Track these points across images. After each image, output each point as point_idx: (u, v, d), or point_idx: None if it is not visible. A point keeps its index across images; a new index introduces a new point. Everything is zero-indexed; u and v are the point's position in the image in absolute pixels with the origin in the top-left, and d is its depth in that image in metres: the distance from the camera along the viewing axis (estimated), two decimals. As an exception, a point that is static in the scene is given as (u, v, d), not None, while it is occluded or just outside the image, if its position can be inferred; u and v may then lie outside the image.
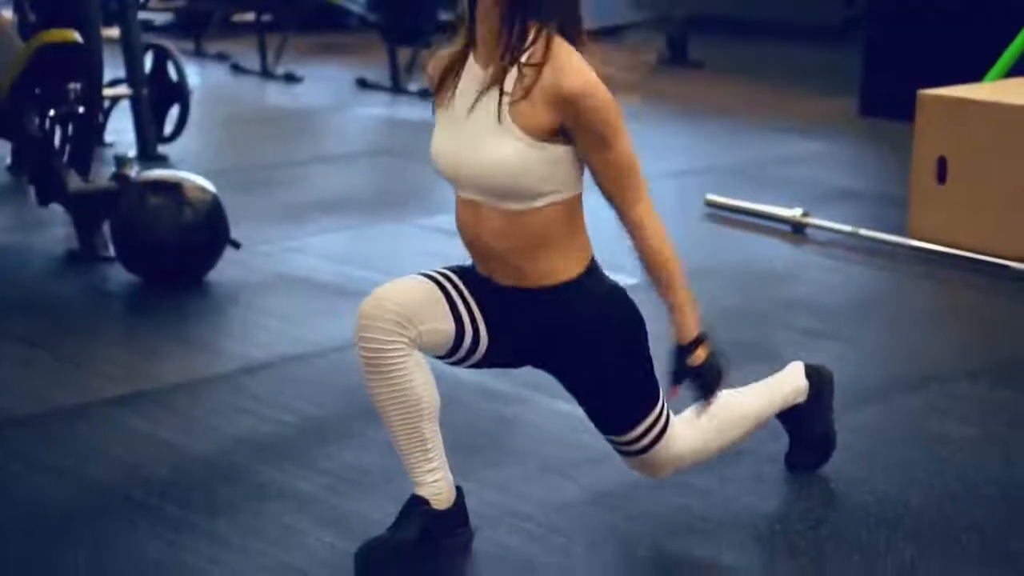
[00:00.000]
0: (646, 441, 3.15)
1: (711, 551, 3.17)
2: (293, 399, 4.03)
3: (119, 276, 5.13)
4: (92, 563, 3.09)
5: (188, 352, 4.43)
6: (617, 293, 3.07)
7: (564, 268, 2.99)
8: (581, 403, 3.18)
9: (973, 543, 3.20)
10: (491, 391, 4.07)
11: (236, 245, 5.17)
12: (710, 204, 6.17)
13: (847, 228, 5.69)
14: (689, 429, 3.23)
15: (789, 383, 3.47)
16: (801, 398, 3.49)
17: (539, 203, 2.92)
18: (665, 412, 3.16)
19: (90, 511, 3.34)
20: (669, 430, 3.17)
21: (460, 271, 3.09)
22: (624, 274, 3.19)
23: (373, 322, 2.94)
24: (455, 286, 3.04)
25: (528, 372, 4.16)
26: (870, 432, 3.83)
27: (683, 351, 3.04)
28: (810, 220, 5.79)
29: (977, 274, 5.25)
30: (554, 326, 3.03)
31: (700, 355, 3.04)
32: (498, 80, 2.88)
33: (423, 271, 3.07)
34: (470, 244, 3.05)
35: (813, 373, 3.53)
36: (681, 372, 3.05)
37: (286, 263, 5.34)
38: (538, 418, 3.90)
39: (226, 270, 5.14)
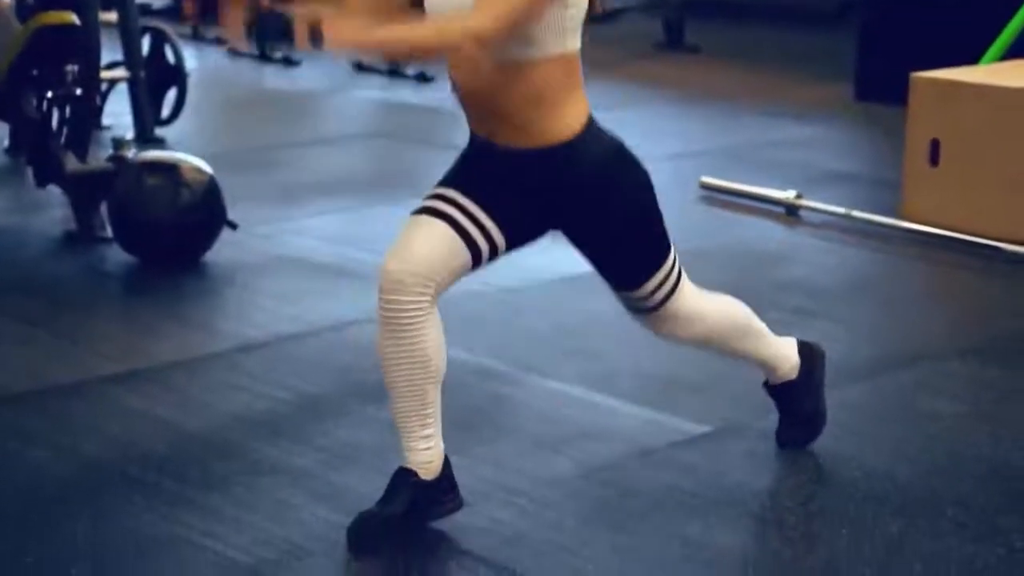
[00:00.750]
0: (659, 296, 3.20)
1: (701, 526, 3.21)
2: (288, 377, 4.06)
3: (116, 256, 5.16)
4: (89, 537, 3.12)
5: (184, 331, 4.46)
6: (620, 149, 3.08)
7: (564, 125, 2.99)
8: (593, 260, 3.20)
9: (960, 518, 3.24)
10: (486, 370, 4.10)
11: (233, 226, 5.19)
12: (705, 187, 6.20)
13: (840, 210, 5.72)
14: (706, 298, 3.31)
15: (782, 348, 3.50)
16: (793, 374, 3.52)
17: (535, 53, 2.91)
18: (677, 268, 3.21)
19: (86, 486, 3.37)
20: (682, 286, 3.23)
21: (457, 177, 3.10)
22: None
23: (397, 284, 2.97)
24: (458, 207, 3.03)
25: (522, 352, 4.22)
26: (860, 409, 3.86)
27: None
28: (804, 202, 5.82)
29: (969, 255, 5.29)
30: (559, 184, 3.04)
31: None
32: None
33: (427, 206, 3.05)
34: (468, 100, 3.03)
35: (806, 351, 3.56)
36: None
37: (283, 244, 5.37)
38: (532, 397, 3.94)
39: (223, 251, 5.17)
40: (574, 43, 2.98)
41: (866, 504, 3.30)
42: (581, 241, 3.17)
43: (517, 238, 3.12)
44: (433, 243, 3.01)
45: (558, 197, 3.07)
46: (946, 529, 3.19)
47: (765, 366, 3.52)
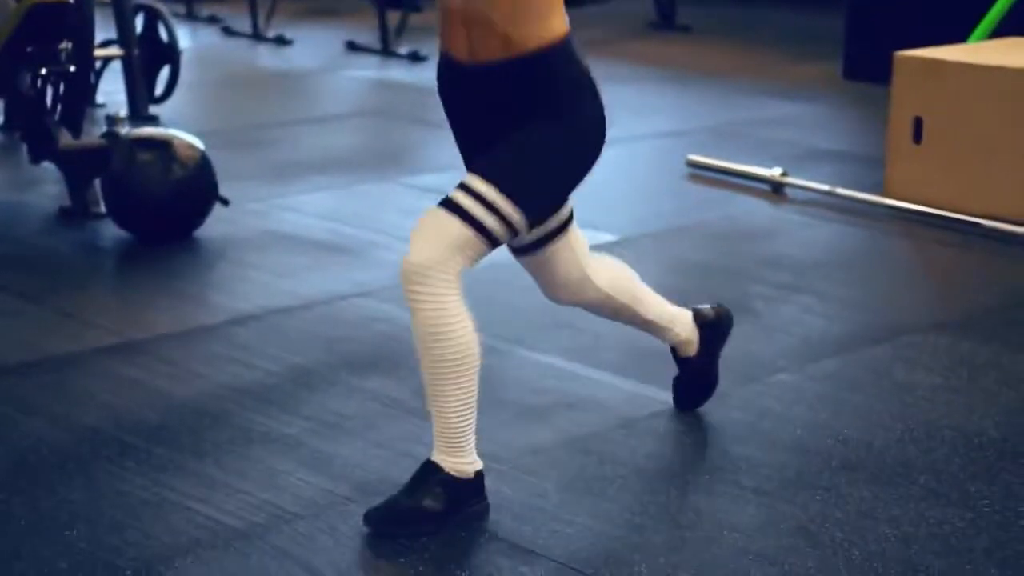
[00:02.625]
0: (534, 234, 3.24)
1: (678, 492, 3.29)
2: (279, 349, 4.14)
3: (110, 232, 5.25)
4: (82, 501, 3.20)
5: (178, 304, 4.54)
6: (592, 82, 3.09)
7: (547, 32, 3.00)
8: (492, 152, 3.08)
9: (931, 484, 3.33)
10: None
11: (225, 202, 5.27)
12: (692, 164, 6.28)
13: (825, 187, 5.81)
14: (592, 260, 3.38)
15: (675, 321, 3.58)
16: (691, 350, 3.63)
17: None
18: (563, 217, 3.26)
19: (81, 453, 3.46)
20: (566, 237, 3.28)
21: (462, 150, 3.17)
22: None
23: (419, 276, 2.95)
24: (474, 194, 3.00)
25: (507, 326, 4.30)
26: (837, 381, 3.95)
27: None
28: (789, 179, 5.90)
29: (950, 231, 5.37)
30: (533, 89, 3.02)
31: None
32: None
33: (446, 197, 3.03)
34: (451, 15, 3.04)
35: (706, 328, 3.64)
36: None
37: (275, 220, 5.45)
38: (516, 369, 4.02)
39: (215, 226, 5.25)
40: None
41: (840, 471, 3.39)
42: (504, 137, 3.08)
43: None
44: (446, 238, 2.97)
45: (521, 105, 3.04)
46: (917, 495, 3.27)
47: (663, 337, 3.61)
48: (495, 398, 3.80)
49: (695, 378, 3.69)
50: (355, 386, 3.86)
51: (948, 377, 3.99)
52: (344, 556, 3.00)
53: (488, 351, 4.10)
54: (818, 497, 3.26)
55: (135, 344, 4.18)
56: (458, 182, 3.04)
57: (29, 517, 3.13)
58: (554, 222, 3.29)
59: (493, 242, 3.03)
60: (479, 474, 3.12)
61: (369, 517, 3.08)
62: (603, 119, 3.12)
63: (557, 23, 3.05)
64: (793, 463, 3.44)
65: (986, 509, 3.20)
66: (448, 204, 3.01)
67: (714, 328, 3.67)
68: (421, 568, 2.94)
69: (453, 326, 2.98)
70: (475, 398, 3.08)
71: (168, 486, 3.29)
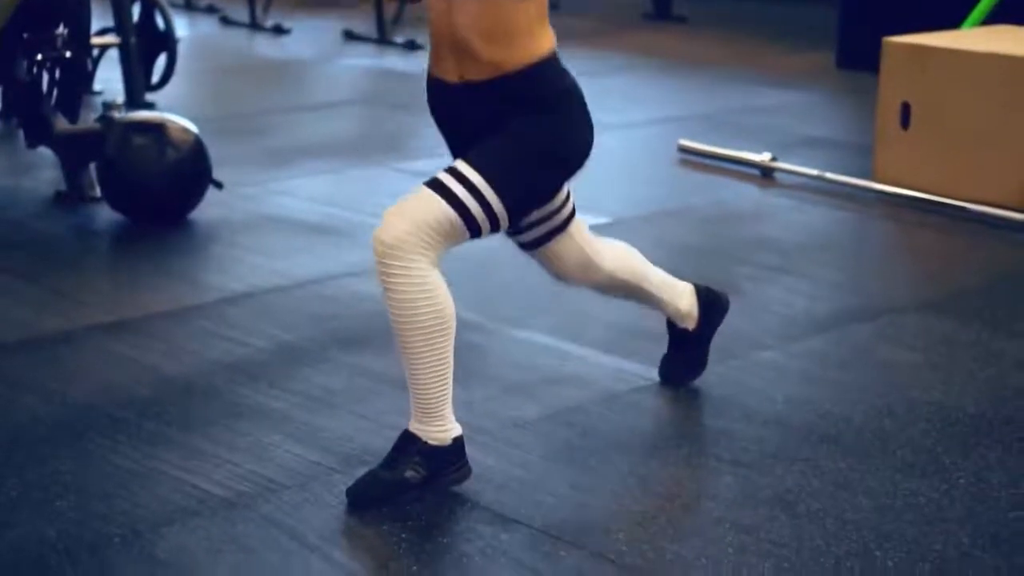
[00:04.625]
0: (533, 235, 3.37)
1: (659, 464, 3.35)
2: (269, 327, 4.20)
3: (105, 215, 5.30)
4: (73, 472, 3.26)
5: (170, 284, 4.60)
6: (579, 93, 3.17)
7: (533, 51, 3.09)
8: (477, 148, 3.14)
9: (908, 457, 3.38)
10: (461, 321, 4.16)
11: (218, 185, 5.33)
12: (683, 150, 6.33)
13: (814, 172, 5.86)
14: (595, 246, 3.46)
15: (678, 294, 3.67)
16: (690, 324, 3.70)
17: None
18: (560, 218, 3.35)
19: (72, 427, 3.51)
20: (566, 235, 3.38)
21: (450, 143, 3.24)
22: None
23: (392, 249, 3.00)
24: (462, 178, 3.07)
25: (495, 304, 4.36)
26: (821, 358, 4.00)
27: None
28: (778, 164, 5.95)
29: (936, 215, 5.43)
30: (518, 101, 3.10)
31: None
32: None
33: (431, 178, 3.10)
34: (443, 38, 3.12)
35: (706, 304, 3.72)
36: None
37: (268, 204, 5.51)
38: (504, 346, 4.08)
39: (209, 209, 5.31)
40: None
41: (820, 445, 3.45)
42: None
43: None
44: (426, 213, 3.02)
45: (508, 115, 3.10)
46: (894, 467, 3.33)
47: (666, 309, 3.68)
48: (482, 374, 3.86)
49: (688, 352, 3.75)
50: (343, 362, 3.91)
51: (929, 355, 4.04)
52: (328, 524, 3.05)
53: (477, 329, 4.18)
54: (796, 469, 3.32)
55: (128, 322, 4.24)
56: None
57: (20, 488, 3.19)
58: (559, 218, 3.37)
59: (471, 226, 3.08)
60: (458, 440, 3.17)
61: (351, 492, 3.13)
62: (590, 125, 3.20)
63: (542, 41, 3.13)
64: (773, 437, 3.50)
65: (961, 481, 3.26)
66: (433, 184, 3.08)
67: (713, 305, 3.74)
68: (404, 535, 3.00)
69: (427, 296, 3.03)
70: (450, 368, 3.13)
71: (157, 458, 3.35)
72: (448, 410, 3.15)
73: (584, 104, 3.20)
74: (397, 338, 3.09)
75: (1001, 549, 2.96)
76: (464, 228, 3.08)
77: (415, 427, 3.14)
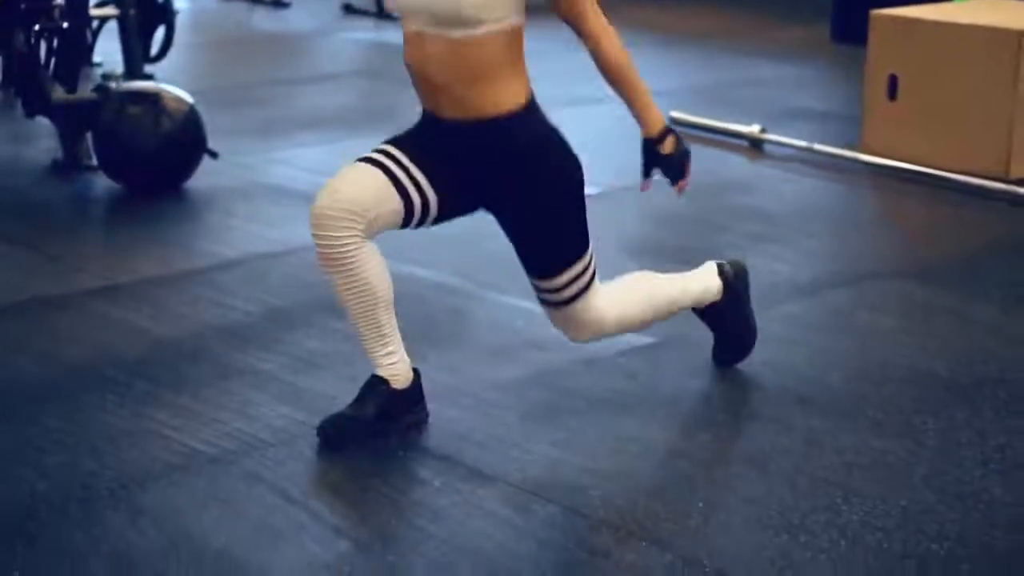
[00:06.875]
0: (571, 291, 3.36)
1: (636, 424, 3.43)
2: (260, 292, 4.28)
3: (101, 183, 5.38)
4: (63, 429, 3.35)
5: (164, 250, 4.68)
6: (556, 135, 3.27)
7: (505, 99, 3.18)
8: (515, 241, 3.36)
9: (879, 417, 3.46)
10: (447, 287, 4.33)
11: (213, 155, 5.40)
12: (674, 121, 6.39)
13: (802, 143, 5.93)
14: (613, 294, 3.46)
15: (701, 280, 3.67)
16: (716, 297, 3.69)
17: (480, 31, 3.10)
18: (592, 267, 3.38)
19: (64, 387, 3.60)
20: (594, 286, 3.39)
21: (402, 139, 3.31)
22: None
23: (326, 220, 3.20)
24: (397, 161, 3.24)
25: (482, 271, 4.44)
26: (799, 322, 4.08)
27: (652, 143, 3.32)
28: (767, 136, 6.02)
29: (920, 185, 5.50)
30: (491, 158, 3.22)
31: (668, 145, 3.33)
32: None
33: (366, 156, 3.29)
34: (417, 77, 3.23)
35: (728, 273, 3.71)
36: (652, 162, 3.33)
37: (264, 173, 5.58)
38: (488, 311, 4.16)
39: (204, 178, 5.39)
40: (519, 16, 3.16)
41: (795, 405, 3.53)
42: (505, 221, 3.35)
43: (448, 206, 3.30)
44: (363, 185, 3.20)
45: (489, 172, 3.24)
46: (865, 427, 3.41)
47: (706, 297, 3.69)
48: (465, 337, 3.94)
49: (732, 325, 3.71)
50: (331, 327, 4.00)
51: (906, 320, 4.12)
52: (311, 479, 3.15)
53: (460, 294, 4.27)
54: (770, 428, 3.40)
55: (121, 287, 4.32)
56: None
57: (12, 445, 3.28)
58: (582, 282, 3.38)
59: (408, 208, 3.23)
60: (416, 385, 3.35)
61: (322, 428, 3.31)
62: (577, 166, 3.28)
63: (516, 91, 3.20)
64: (748, 398, 3.58)
65: (929, 441, 3.34)
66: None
67: (736, 277, 3.71)
68: (384, 490, 3.09)
69: (355, 261, 3.21)
70: (393, 325, 3.30)
71: (146, 416, 3.43)
72: (397, 360, 3.32)
73: (566, 145, 3.28)
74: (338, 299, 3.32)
75: (966, 503, 3.04)
76: (400, 205, 3.25)
77: (378, 373, 3.35)
